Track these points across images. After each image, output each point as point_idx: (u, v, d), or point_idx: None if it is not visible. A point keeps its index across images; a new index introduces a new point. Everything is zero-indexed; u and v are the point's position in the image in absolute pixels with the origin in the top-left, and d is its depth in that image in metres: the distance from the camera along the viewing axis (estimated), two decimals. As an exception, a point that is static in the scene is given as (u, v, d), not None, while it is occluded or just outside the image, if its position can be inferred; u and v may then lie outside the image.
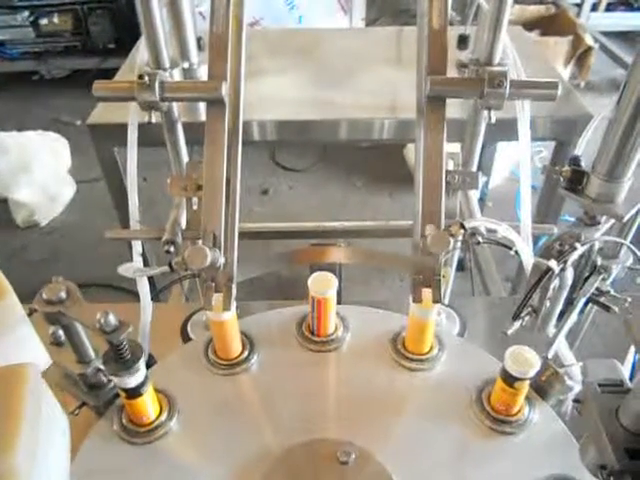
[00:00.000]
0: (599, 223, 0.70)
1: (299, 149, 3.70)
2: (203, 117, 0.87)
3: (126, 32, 4.09)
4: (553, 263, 0.64)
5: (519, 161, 0.87)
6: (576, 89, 4.02)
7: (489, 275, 2.48)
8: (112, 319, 0.72)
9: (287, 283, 2.75)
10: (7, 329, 0.49)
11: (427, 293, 0.87)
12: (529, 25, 4.20)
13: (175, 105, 1.00)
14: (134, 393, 0.80)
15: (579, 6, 4.71)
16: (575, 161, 0.68)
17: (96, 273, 2.67)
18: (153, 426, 0.87)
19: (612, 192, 0.66)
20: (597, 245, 0.73)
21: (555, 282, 0.67)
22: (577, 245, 0.63)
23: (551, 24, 4.29)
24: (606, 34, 4.53)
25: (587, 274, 0.83)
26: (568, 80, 4.05)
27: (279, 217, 3.09)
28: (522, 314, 0.72)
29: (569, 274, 0.67)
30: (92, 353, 0.83)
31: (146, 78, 0.80)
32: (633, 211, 0.65)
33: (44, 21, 4.10)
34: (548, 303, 0.70)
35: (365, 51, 2.08)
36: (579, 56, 4.01)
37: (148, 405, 0.84)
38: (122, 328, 0.73)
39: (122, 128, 1.30)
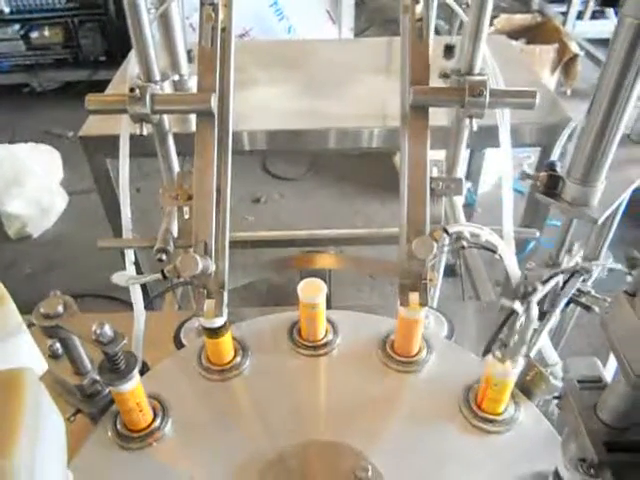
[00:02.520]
0: (560, 265, 0.74)
1: (290, 158, 3.72)
2: (194, 128, 0.89)
3: (117, 44, 4.12)
4: (517, 305, 0.69)
5: (502, 167, 0.90)
6: (563, 96, 4.09)
7: (479, 280, 2.51)
8: (108, 331, 0.74)
9: (278, 289, 2.77)
10: (5, 335, 0.51)
11: (414, 296, 0.89)
12: (515, 34, 4.26)
13: (166, 117, 1.02)
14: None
15: (565, 14, 4.78)
16: (551, 166, 0.71)
17: (89, 283, 2.68)
18: (147, 431, 0.89)
19: (587, 196, 0.69)
20: (561, 282, 0.77)
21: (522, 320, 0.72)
22: (539, 286, 0.69)
23: (537, 32, 4.35)
24: (592, 41, 4.60)
25: (568, 276, 0.85)
26: (555, 87, 4.11)
27: (271, 225, 3.11)
28: (491, 349, 0.76)
29: (534, 312, 0.71)
30: (88, 365, 0.85)
31: (137, 91, 0.82)
32: (607, 213, 0.68)
33: (35, 34, 4.12)
34: (517, 337, 0.74)
35: (354, 61, 2.11)
36: (565, 63, 4.07)
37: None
38: (118, 339, 0.76)
39: (113, 139, 1.31)
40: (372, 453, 0.85)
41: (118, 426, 0.89)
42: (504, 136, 0.92)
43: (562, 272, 0.75)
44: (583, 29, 4.86)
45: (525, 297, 0.74)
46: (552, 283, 0.72)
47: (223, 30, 0.89)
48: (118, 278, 0.88)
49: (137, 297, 0.96)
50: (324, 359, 1.01)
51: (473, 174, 3.14)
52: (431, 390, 0.95)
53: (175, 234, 0.97)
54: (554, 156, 0.76)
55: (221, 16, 0.89)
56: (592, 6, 4.99)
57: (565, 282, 0.86)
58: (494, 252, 0.95)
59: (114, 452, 0.87)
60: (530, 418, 0.90)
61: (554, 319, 0.79)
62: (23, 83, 4.41)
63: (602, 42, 4.68)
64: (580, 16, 4.91)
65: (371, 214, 3.30)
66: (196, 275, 0.77)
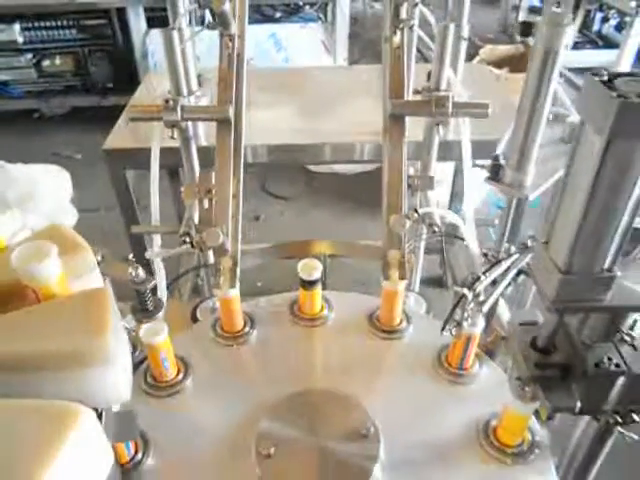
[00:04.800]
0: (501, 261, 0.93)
1: (288, 178, 3.93)
2: (203, 142, 1.09)
3: (124, 72, 4.37)
4: (466, 291, 0.88)
5: (464, 162, 1.10)
6: (544, 120, 4.33)
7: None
8: (141, 272, 0.93)
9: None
10: (84, 272, 0.69)
11: (395, 272, 1.09)
12: (500, 63, 4.54)
13: (190, 126, 1.23)
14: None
15: (546, 45, 5.05)
16: (495, 158, 0.90)
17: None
18: (172, 383, 1.06)
19: (521, 179, 0.89)
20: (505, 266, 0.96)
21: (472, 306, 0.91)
22: (482, 277, 0.88)
23: (520, 62, 4.63)
24: (572, 70, 4.86)
25: (519, 253, 1.05)
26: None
27: (270, 240, 3.30)
28: (448, 327, 0.94)
29: (480, 297, 0.90)
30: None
31: (171, 102, 1.02)
32: (537, 193, 0.88)
33: (46, 62, 4.36)
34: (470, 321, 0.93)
35: (347, 86, 2.33)
36: (546, 91, 4.33)
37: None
38: (148, 280, 0.94)
39: (132, 152, 1.54)
40: (362, 398, 1.02)
41: (148, 379, 1.06)
42: (465, 139, 1.13)
43: (498, 262, 0.93)
44: (566, 59, 5.13)
45: (472, 285, 0.94)
46: (493, 274, 0.90)
47: (238, 56, 1.10)
48: (150, 255, 1.06)
49: (161, 275, 1.15)
50: (320, 329, 1.19)
51: (458, 193, 3.33)
52: (410, 353, 1.14)
53: (196, 222, 1.16)
54: (499, 150, 0.96)
55: (237, 45, 1.10)
56: (573, 37, 5.29)
57: (516, 259, 1.05)
58: (462, 240, 1.15)
59: (144, 400, 1.04)
60: (491, 372, 1.08)
61: (503, 285, 0.98)
62: (33, 108, 4.62)
63: (582, 70, 4.93)
64: (562, 47, 5.20)
65: (364, 230, 3.49)
66: (218, 246, 0.96)
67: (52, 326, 0.59)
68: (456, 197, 3.35)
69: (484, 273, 0.92)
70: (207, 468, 0.94)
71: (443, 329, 0.94)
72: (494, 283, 0.99)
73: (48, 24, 4.21)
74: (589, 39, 5.62)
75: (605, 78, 0.58)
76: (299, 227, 3.54)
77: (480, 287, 0.92)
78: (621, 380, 0.79)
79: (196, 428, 1.00)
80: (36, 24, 4.20)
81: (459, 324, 0.96)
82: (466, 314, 0.93)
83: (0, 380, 0.56)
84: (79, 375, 0.58)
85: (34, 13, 4.14)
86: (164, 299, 1.17)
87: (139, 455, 0.94)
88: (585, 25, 5.59)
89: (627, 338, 0.79)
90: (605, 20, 5.71)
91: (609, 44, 5.47)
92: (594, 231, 0.64)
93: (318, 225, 3.55)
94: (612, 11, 5.49)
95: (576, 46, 5.29)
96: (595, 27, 5.71)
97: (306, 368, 1.11)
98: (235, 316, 1.13)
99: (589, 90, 0.58)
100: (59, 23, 4.21)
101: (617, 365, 0.77)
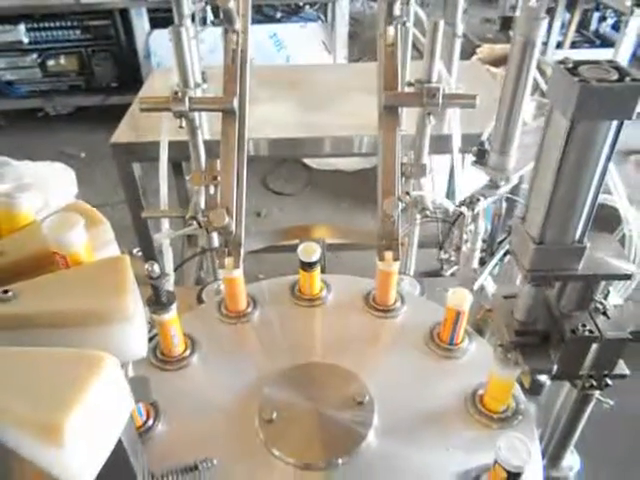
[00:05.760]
0: (499, 187, 0.99)
1: (289, 175, 4.01)
2: (207, 136, 1.15)
3: (127, 72, 4.45)
4: (464, 209, 0.94)
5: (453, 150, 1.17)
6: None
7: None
8: (156, 269, 1.00)
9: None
10: (103, 245, 0.77)
11: (389, 253, 1.16)
12: (497, 62, 4.60)
13: (197, 116, 1.30)
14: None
15: (544, 44, 5.13)
16: (481, 144, 0.98)
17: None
18: (180, 357, 1.13)
19: (504, 162, 0.96)
20: (504, 204, 1.03)
21: (471, 228, 0.97)
22: (481, 198, 0.94)
23: (517, 61, 4.69)
24: (568, 69, 4.92)
25: (506, 234, 1.12)
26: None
27: (271, 235, 3.37)
28: (445, 247, 1.00)
29: (481, 222, 0.96)
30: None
31: (179, 94, 1.09)
32: (518, 175, 0.95)
33: (51, 62, 4.43)
34: (469, 244, 0.99)
35: (346, 82, 2.40)
36: (542, 88, 4.39)
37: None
38: (163, 276, 1.01)
39: (139, 146, 1.61)
40: (358, 370, 1.09)
41: (158, 354, 1.14)
42: (455, 127, 1.20)
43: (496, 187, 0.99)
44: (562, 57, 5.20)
45: (471, 204, 0.99)
46: (491, 197, 0.96)
47: (242, 51, 1.17)
48: (159, 237, 1.13)
49: (168, 257, 1.22)
50: (319, 309, 1.26)
51: (454, 193, 3.39)
52: (404, 329, 1.21)
53: (202, 207, 1.24)
54: (484, 137, 1.04)
55: (240, 41, 1.17)
56: (571, 37, 5.36)
57: (503, 239, 1.12)
58: (453, 224, 1.22)
59: (154, 374, 1.11)
60: (480, 347, 1.15)
61: (493, 263, 1.05)
62: (38, 107, 4.70)
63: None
64: (560, 45, 5.27)
65: (363, 225, 3.56)
66: (223, 226, 1.03)
67: (79, 288, 0.67)
68: (451, 197, 3.42)
69: (483, 195, 0.98)
70: (213, 432, 1.01)
71: (440, 249, 1.00)
72: (483, 264, 1.07)
73: (53, 25, 4.28)
74: (586, 38, 5.69)
75: (570, 66, 0.65)
76: (299, 222, 3.61)
77: (479, 207, 0.97)
78: (595, 346, 0.86)
79: (203, 397, 1.07)
80: (41, 25, 4.28)
81: (458, 248, 1.03)
82: (465, 236, 0.99)
83: (33, 335, 0.63)
84: (102, 331, 0.66)
85: (39, 14, 4.21)
86: (172, 281, 1.24)
87: (150, 421, 1.01)
88: (583, 24, 5.65)
89: (600, 307, 0.86)
90: (602, 19, 5.77)
91: (606, 43, 5.53)
92: (563, 205, 0.71)
93: (318, 221, 3.61)
94: (609, 10, 5.57)
95: (574, 45, 5.37)
96: (592, 26, 5.77)
97: (306, 344, 1.18)
98: (239, 296, 1.20)
99: (556, 77, 0.65)
100: (64, 24, 4.29)
101: (591, 331, 0.84)
